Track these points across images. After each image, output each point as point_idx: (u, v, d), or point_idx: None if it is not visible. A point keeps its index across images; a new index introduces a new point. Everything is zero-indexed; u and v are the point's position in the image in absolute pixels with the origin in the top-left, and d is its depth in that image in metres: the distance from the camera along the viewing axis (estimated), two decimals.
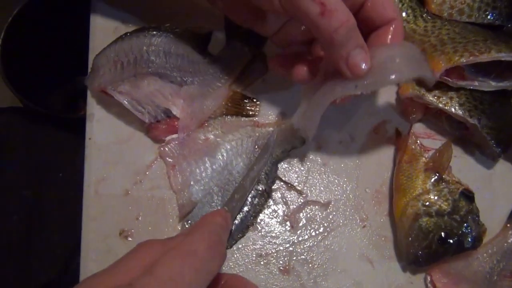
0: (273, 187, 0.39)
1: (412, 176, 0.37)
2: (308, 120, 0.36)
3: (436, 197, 0.36)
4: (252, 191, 0.39)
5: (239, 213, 0.38)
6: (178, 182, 0.38)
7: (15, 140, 0.61)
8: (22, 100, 1.01)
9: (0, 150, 0.56)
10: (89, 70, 0.42)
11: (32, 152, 0.61)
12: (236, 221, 0.38)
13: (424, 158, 0.38)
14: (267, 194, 0.39)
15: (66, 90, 1.23)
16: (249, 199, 0.38)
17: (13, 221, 0.56)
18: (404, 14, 0.42)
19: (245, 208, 0.38)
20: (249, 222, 0.38)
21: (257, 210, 0.38)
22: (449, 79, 0.39)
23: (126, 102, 0.40)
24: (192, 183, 0.38)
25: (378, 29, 0.34)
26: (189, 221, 0.38)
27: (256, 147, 0.40)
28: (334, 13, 0.29)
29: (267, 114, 0.42)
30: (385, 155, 0.41)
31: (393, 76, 0.32)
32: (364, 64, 0.31)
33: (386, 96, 0.43)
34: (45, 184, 0.59)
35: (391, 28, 0.33)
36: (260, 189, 0.39)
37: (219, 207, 0.38)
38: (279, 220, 0.38)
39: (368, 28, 0.34)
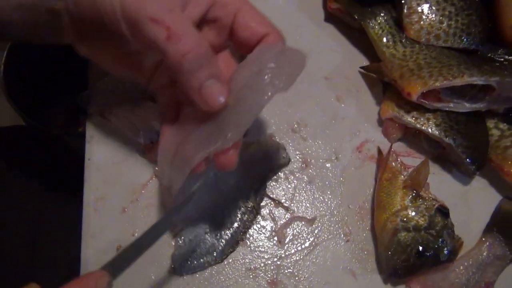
0: (261, 204, 0.42)
1: (392, 193, 0.39)
2: (175, 176, 0.33)
3: (413, 213, 0.38)
4: (242, 208, 0.41)
5: (229, 228, 0.40)
6: (171, 201, 0.41)
7: (18, 156, 0.63)
8: (24, 117, 1.04)
9: (4, 166, 0.58)
10: (88, 94, 0.45)
11: (35, 168, 0.63)
12: (227, 236, 0.40)
13: (402, 176, 0.40)
14: (255, 211, 0.41)
15: (66, 105, 1.26)
16: (239, 215, 0.41)
17: (17, 235, 0.58)
18: (384, 40, 0.45)
19: (235, 224, 0.40)
20: (238, 238, 0.40)
21: (246, 226, 0.41)
22: (426, 102, 0.41)
23: (123, 126, 0.43)
24: (185, 201, 0.41)
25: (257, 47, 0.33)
26: (182, 237, 0.40)
27: (244, 168, 0.43)
28: (181, 37, 0.28)
29: (255, 135, 0.44)
30: (368, 173, 0.43)
31: (265, 98, 0.29)
32: (219, 97, 0.29)
33: (368, 116, 0.46)
34: (48, 198, 0.61)
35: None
36: (249, 206, 0.41)
37: (210, 223, 0.40)
38: (267, 235, 0.41)
39: (250, 48, 0.33)
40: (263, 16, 0.33)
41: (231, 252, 0.40)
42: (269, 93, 0.29)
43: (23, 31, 0.38)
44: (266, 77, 0.30)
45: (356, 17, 0.46)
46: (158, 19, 0.28)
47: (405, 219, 0.38)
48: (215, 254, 0.39)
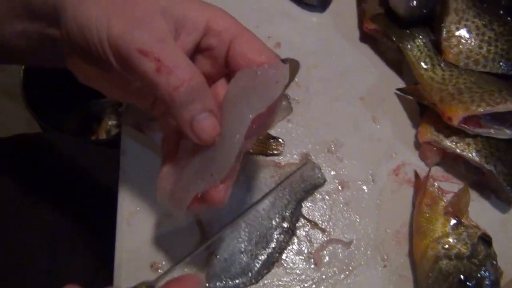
0: (297, 224, 0.41)
1: (432, 219, 0.39)
2: (178, 200, 0.31)
3: (455, 241, 0.38)
4: (278, 228, 0.40)
5: (265, 248, 0.40)
6: (206, 219, 0.40)
7: (39, 164, 0.63)
8: (40, 123, 1.04)
9: (24, 175, 0.58)
10: (124, 106, 0.45)
11: (56, 177, 0.63)
12: (262, 257, 0.39)
13: (443, 202, 0.39)
14: (291, 232, 0.41)
15: (81, 113, 1.26)
16: (275, 235, 0.40)
17: (37, 245, 0.57)
18: (422, 63, 0.45)
19: (271, 245, 0.40)
20: (274, 259, 0.39)
21: (282, 247, 0.40)
22: (467, 127, 0.41)
23: (159, 139, 0.42)
24: (220, 219, 0.40)
25: None
26: (217, 256, 0.39)
27: (279, 187, 0.42)
28: (173, 70, 0.26)
29: (290, 154, 0.44)
30: (405, 196, 0.43)
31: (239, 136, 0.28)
32: (211, 131, 0.28)
33: (405, 138, 0.45)
34: (67, 209, 0.61)
35: None
36: (285, 226, 0.41)
37: (245, 243, 0.40)
38: (303, 257, 0.40)
39: None
40: (261, 44, 0.30)
41: (266, 273, 0.39)
42: (247, 121, 0.28)
43: (30, 56, 0.38)
44: (242, 105, 0.28)
45: (394, 38, 0.46)
46: (147, 50, 0.26)
47: (446, 247, 0.37)
48: (250, 275, 0.39)
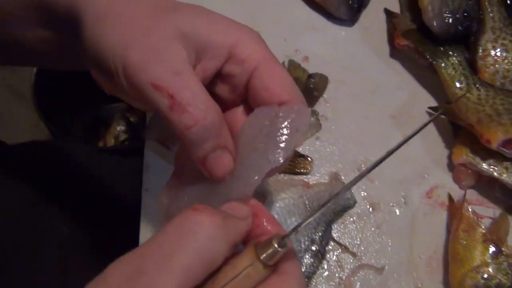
0: (327, 248, 0.39)
1: (470, 246, 0.37)
2: (170, 218, 0.29)
3: (495, 271, 0.36)
4: (307, 252, 0.39)
5: None
6: None
7: (52, 174, 0.61)
8: (48, 126, 1.03)
9: (37, 184, 0.56)
10: (148, 120, 0.43)
11: (69, 187, 0.61)
12: None
13: (481, 228, 0.38)
14: (321, 255, 0.39)
15: (89, 118, 1.25)
16: (304, 259, 0.38)
17: (50, 255, 0.56)
18: (457, 81, 0.44)
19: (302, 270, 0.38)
20: None
21: (311, 271, 0.38)
22: (506, 150, 0.39)
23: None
24: None
25: None
26: None
27: (308, 207, 0.41)
28: (186, 108, 0.25)
29: (319, 173, 0.43)
30: (438, 220, 0.41)
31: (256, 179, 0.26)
32: (224, 169, 0.27)
33: (437, 159, 0.44)
34: (83, 222, 0.59)
35: None
36: (314, 249, 0.39)
37: None
38: (334, 283, 0.38)
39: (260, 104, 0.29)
40: (285, 77, 0.28)
41: None
42: (262, 174, 0.26)
43: (49, 60, 0.38)
44: (258, 154, 0.27)
45: (427, 56, 0.45)
46: (161, 85, 0.25)
47: (486, 276, 0.36)
48: None
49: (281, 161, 0.26)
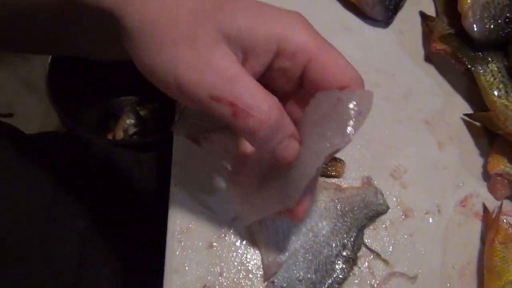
0: (358, 254, 0.38)
1: (508, 259, 0.36)
2: (250, 215, 0.33)
3: None
4: (339, 257, 0.38)
5: (324, 277, 0.37)
6: (263, 242, 0.38)
7: (70, 166, 0.60)
8: (62, 117, 1.02)
9: (56, 176, 0.55)
10: (178, 115, 0.42)
11: (86, 179, 0.60)
12: (322, 286, 0.37)
13: None
14: (352, 261, 0.38)
15: (99, 110, 1.24)
16: (336, 265, 0.37)
17: (66, 251, 0.55)
18: (495, 89, 0.43)
19: (332, 274, 0.37)
20: None
21: (343, 277, 0.37)
22: None
23: (215, 152, 0.40)
24: (278, 243, 0.38)
25: None
26: (274, 282, 0.37)
27: (340, 212, 0.40)
28: (249, 113, 0.25)
29: (351, 176, 0.42)
30: (473, 230, 0.40)
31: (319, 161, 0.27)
32: (293, 155, 0.27)
33: (472, 167, 0.43)
34: (98, 216, 0.58)
35: None
36: (345, 254, 0.38)
37: (304, 270, 0.37)
38: None
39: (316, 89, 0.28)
40: (343, 62, 0.28)
41: None
42: (323, 157, 0.27)
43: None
44: (318, 137, 0.27)
45: (465, 61, 0.44)
46: (220, 96, 0.25)
47: None
48: None
49: (342, 145, 0.26)
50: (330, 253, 0.38)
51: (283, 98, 0.30)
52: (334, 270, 0.37)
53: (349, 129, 0.26)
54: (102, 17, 0.28)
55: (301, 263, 0.37)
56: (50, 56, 1.02)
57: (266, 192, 0.31)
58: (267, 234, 0.38)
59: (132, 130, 1.25)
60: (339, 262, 0.38)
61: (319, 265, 0.37)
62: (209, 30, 0.26)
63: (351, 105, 0.26)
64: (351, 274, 0.38)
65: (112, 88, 1.20)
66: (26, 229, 0.48)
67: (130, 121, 1.27)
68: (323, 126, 0.27)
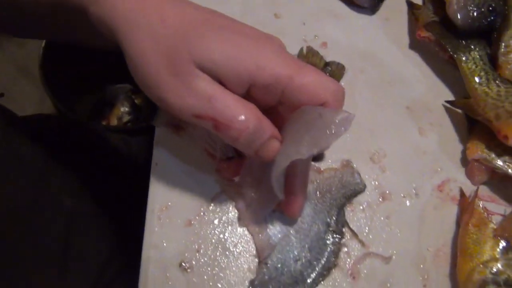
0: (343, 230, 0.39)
1: (480, 241, 0.37)
2: (252, 215, 0.38)
3: (505, 266, 0.36)
4: (327, 233, 0.38)
5: (320, 254, 0.37)
6: (255, 225, 0.38)
7: (61, 148, 0.61)
8: (55, 104, 1.02)
9: (47, 157, 0.56)
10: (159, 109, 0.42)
11: (76, 162, 0.61)
12: (320, 263, 0.37)
13: (492, 224, 0.38)
14: (341, 236, 0.38)
15: (94, 97, 1.24)
16: (328, 239, 0.38)
17: (52, 229, 0.55)
18: (477, 76, 0.43)
19: (327, 249, 0.37)
20: (331, 264, 0.37)
21: (336, 250, 0.37)
22: None
23: (198, 136, 0.40)
24: (269, 225, 0.38)
25: None
26: (268, 264, 0.37)
27: (318, 193, 0.40)
28: (229, 126, 0.28)
29: (331, 159, 0.42)
30: (448, 214, 0.41)
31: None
32: (274, 152, 0.31)
33: (451, 153, 0.43)
34: (86, 196, 0.59)
35: None
36: (333, 231, 0.38)
37: (298, 250, 0.37)
38: (340, 269, 0.38)
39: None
40: (320, 80, 0.30)
41: (321, 281, 0.36)
42: (287, 162, 0.30)
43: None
44: (292, 144, 0.30)
45: (448, 49, 0.44)
46: (201, 114, 0.29)
47: (495, 271, 0.35)
48: (304, 285, 0.36)
49: (306, 155, 0.29)
50: (318, 229, 0.38)
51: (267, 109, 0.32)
52: (326, 245, 0.38)
53: (319, 144, 0.29)
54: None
55: (294, 243, 0.38)
56: (44, 42, 1.02)
57: (262, 189, 0.35)
58: (257, 218, 0.39)
59: (126, 118, 1.25)
60: (329, 236, 0.38)
61: (311, 242, 0.38)
62: (186, 60, 0.29)
63: (329, 124, 0.29)
64: (343, 246, 0.38)
65: (107, 75, 1.21)
66: (13, 206, 0.49)
67: (124, 109, 1.27)
68: (301, 136, 0.30)
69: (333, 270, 0.37)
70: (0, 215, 0.46)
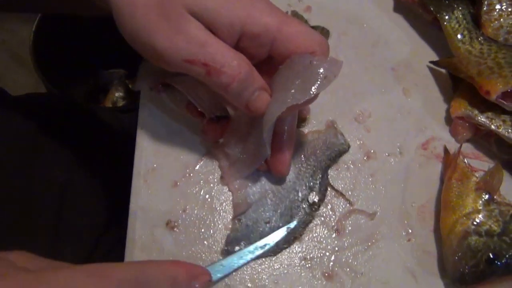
0: (325, 194, 0.39)
1: (462, 194, 0.37)
2: (237, 173, 0.38)
3: (486, 217, 0.36)
4: (304, 202, 0.38)
5: (288, 223, 0.38)
6: (235, 182, 0.38)
7: (52, 124, 0.61)
8: (49, 89, 1.02)
9: (36, 133, 0.56)
10: (139, 72, 0.42)
11: (68, 137, 0.61)
12: (284, 231, 0.37)
13: (475, 177, 0.38)
14: (320, 203, 0.39)
15: (88, 82, 1.24)
16: (301, 209, 0.38)
17: (45, 202, 0.56)
18: (460, 35, 0.43)
19: (296, 219, 0.38)
20: (297, 234, 0.37)
21: (306, 221, 0.38)
22: (505, 102, 0.39)
23: (188, 93, 0.40)
24: (249, 184, 0.38)
25: None
26: (241, 220, 0.37)
27: (303, 156, 0.40)
28: (221, 71, 0.28)
29: (316, 121, 0.42)
30: (432, 171, 0.41)
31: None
32: (264, 104, 0.31)
33: (435, 112, 0.44)
34: (78, 168, 0.59)
35: None
36: (313, 196, 0.39)
37: (271, 213, 0.38)
38: (325, 225, 0.38)
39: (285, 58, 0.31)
40: (309, 33, 0.31)
41: (286, 247, 0.37)
42: (283, 107, 0.30)
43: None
44: (286, 91, 0.30)
45: (431, 9, 0.44)
46: (193, 59, 0.28)
47: (477, 222, 0.36)
48: (268, 247, 0.37)
49: (302, 101, 0.30)
50: (296, 197, 0.39)
51: (255, 66, 0.32)
52: (298, 214, 0.38)
53: (313, 89, 0.29)
54: None
55: (269, 206, 0.38)
56: (34, 26, 1.01)
57: (248, 148, 0.36)
58: (239, 176, 0.39)
59: (120, 103, 1.25)
60: (304, 206, 0.38)
61: (285, 208, 0.38)
62: (178, 4, 0.28)
63: (320, 70, 0.30)
64: (316, 215, 0.39)
65: (101, 61, 1.20)
66: (5, 177, 0.49)
67: (119, 94, 1.27)
68: (292, 83, 0.30)
69: (301, 237, 0.38)
70: None
